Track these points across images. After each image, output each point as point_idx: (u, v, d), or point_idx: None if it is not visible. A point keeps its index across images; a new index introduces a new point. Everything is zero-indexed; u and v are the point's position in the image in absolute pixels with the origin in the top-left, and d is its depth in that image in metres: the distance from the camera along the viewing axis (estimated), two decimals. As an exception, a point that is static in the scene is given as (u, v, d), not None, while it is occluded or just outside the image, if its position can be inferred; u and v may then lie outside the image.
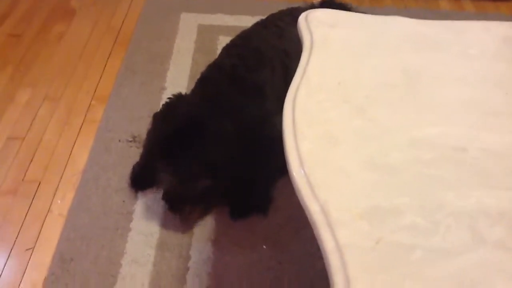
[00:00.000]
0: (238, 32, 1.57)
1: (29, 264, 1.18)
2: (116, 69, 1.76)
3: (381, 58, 0.91)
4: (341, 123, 0.77)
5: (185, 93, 1.38)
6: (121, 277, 1.15)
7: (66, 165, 1.42)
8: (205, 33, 1.92)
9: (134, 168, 1.36)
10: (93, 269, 1.16)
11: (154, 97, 1.62)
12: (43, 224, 1.26)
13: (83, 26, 1.99)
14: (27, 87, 1.68)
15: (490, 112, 0.81)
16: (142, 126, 1.49)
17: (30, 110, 1.60)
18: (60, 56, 1.84)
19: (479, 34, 0.99)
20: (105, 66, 1.79)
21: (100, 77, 1.74)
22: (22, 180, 1.37)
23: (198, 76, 1.42)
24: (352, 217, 0.63)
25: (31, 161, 1.43)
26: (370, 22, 1.01)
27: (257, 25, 1.61)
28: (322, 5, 1.92)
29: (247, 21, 1.68)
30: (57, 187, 1.35)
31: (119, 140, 1.46)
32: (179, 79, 1.70)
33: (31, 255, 1.19)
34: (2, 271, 1.16)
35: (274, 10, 1.67)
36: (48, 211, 1.29)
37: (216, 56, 1.51)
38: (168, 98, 1.34)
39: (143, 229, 1.24)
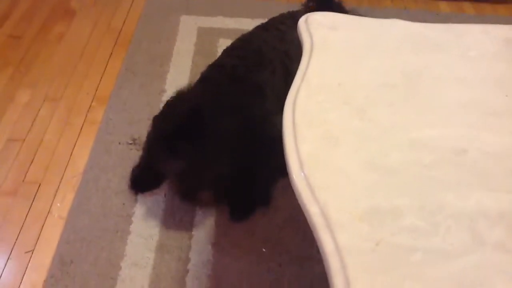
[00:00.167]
0: (238, 35, 1.57)
1: (28, 266, 1.18)
2: (116, 70, 1.76)
3: (381, 59, 0.91)
4: (341, 124, 0.77)
5: (186, 89, 1.38)
6: (120, 280, 1.14)
7: (66, 167, 1.42)
8: (205, 36, 1.92)
9: (134, 170, 1.37)
10: (93, 272, 1.16)
11: (154, 99, 1.62)
12: (43, 226, 1.26)
13: (83, 27, 1.99)
14: (27, 88, 1.68)
15: (490, 114, 0.81)
16: (142, 129, 1.49)
17: (30, 111, 1.60)
18: (60, 56, 1.84)
19: (479, 37, 0.99)
20: (105, 67, 1.79)
21: (101, 78, 1.74)
22: (22, 181, 1.37)
23: (198, 78, 1.42)
24: (352, 218, 0.63)
25: (31, 162, 1.43)
26: (369, 24, 1.01)
27: (258, 28, 1.62)
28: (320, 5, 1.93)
29: (247, 24, 1.68)
30: (57, 188, 1.35)
31: (119, 143, 1.46)
32: (179, 81, 1.70)
33: (30, 257, 1.19)
34: (1, 273, 1.16)
35: (274, 13, 1.67)
36: (48, 212, 1.29)
37: (216, 59, 1.51)
38: (167, 100, 1.34)
39: (143, 232, 1.24)
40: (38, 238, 1.23)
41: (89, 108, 1.61)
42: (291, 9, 1.72)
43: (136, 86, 1.68)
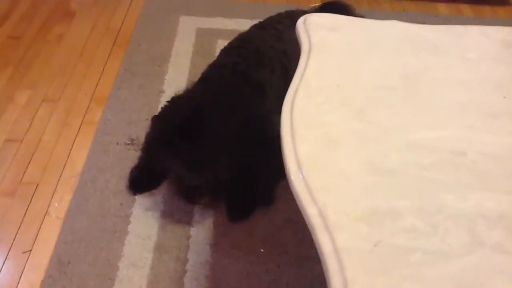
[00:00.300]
0: (236, 35, 1.58)
1: (26, 266, 1.17)
2: (115, 71, 1.76)
3: (380, 61, 0.92)
4: (340, 125, 0.77)
5: (187, 88, 1.38)
6: (118, 280, 1.14)
7: (64, 167, 1.42)
8: (204, 37, 1.92)
9: (132, 171, 1.36)
10: (91, 272, 1.15)
11: (152, 100, 1.62)
12: (40, 226, 1.26)
13: (83, 28, 1.99)
14: (26, 89, 1.68)
15: (489, 115, 0.81)
16: (140, 129, 1.49)
17: (29, 111, 1.59)
18: (59, 57, 1.84)
19: (478, 38, 0.99)
20: (104, 67, 1.79)
21: (99, 79, 1.74)
22: (20, 182, 1.37)
23: (196, 79, 1.43)
24: (351, 220, 0.63)
25: (29, 162, 1.42)
26: (368, 26, 1.01)
27: (255, 27, 1.62)
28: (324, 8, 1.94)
29: (246, 25, 1.68)
30: (55, 189, 1.35)
31: (117, 143, 1.46)
32: (177, 82, 1.70)
33: (28, 257, 1.19)
34: (-1, 274, 1.16)
35: (273, 14, 1.68)
36: (46, 213, 1.29)
37: (215, 59, 1.52)
38: (167, 101, 1.34)
39: (141, 232, 1.24)
40: (35, 239, 1.23)
41: (87, 108, 1.61)
42: (288, 9, 1.72)
43: (134, 87, 1.68)
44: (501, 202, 0.67)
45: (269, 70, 1.38)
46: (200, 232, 1.25)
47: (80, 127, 1.54)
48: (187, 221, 1.27)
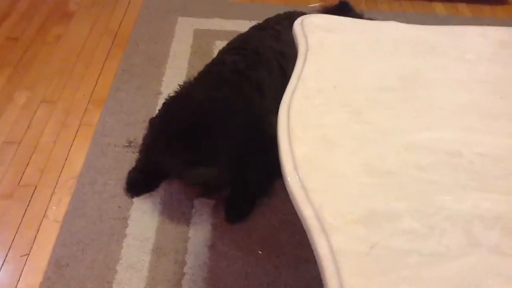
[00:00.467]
0: (234, 36, 1.58)
1: (24, 269, 1.17)
2: (113, 72, 1.76)
3: (378, 62, 0.91)
4: (337, 127, 0.77)
5: (188, 85, 1.38)
6: (116, 283, 1.14)
7: (62, 169, 1.41)
8: (202, 38, 1.92)
9: (129, 173, 1.36)
10: (89, 275, 1.15)
11: (150, 102, 1.62)
12: (38, 229, 1.25)
13: (81, 29, 1.99)
14: (24, 90, 1.68)
15: (486, 116, 0.81)
16: (138, 131, 1.49)
17: (27, 112, 1.59)
18: (58, 58, 1.83)
19: (475, 39, 0.99)
20: (102, 68, 1.79)
21: (97, 80, 1.74)
22: (18, 184, 1.37)
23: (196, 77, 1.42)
24: (347, 222, 0.63)
25: (27, 165, 1.42)
26: (365, 27, 1.01)
27: (254, 28, 1.62)
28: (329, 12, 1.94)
29: (244, 26, 1.68)
30: (53, 191, 1.35)
31: (115, 145, 1.45)
32: (175, 83, 1.67)
33: (26, 260, 1.19)
34: (-3, 276, 1.16)
35: (271, 15, 1.68)
36: (44, 216, 1.29)
37: (213, 58, 1.52)
38: (164, 102, 1.34)
39: (139, 235, 1.23)
40: (34, 241, 1.23)
41: (86, 110, 1.61)
42: (287, 10, 1.72)
43: (132, 88, 1.68)
44: (498, 203, 0.67)
45: (267, 71, 1.38)
46: (198, 234, 1.24)
47: (78, 129, 1.54)
48: (185, 223, 1.27)
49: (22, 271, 1.17)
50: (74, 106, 1.63)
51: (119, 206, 1.30)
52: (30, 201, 1.32)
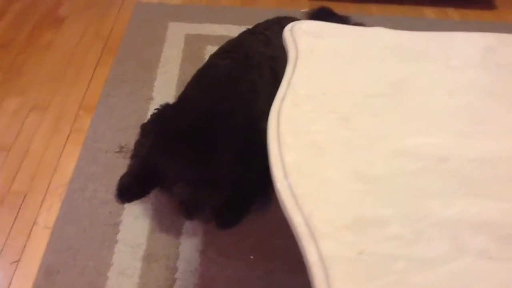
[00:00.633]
0: (225, 41, 1.58)
1: (14, 276, 1.16)
2: (104, 77, 1.76)
3: (366, 68, 0.92)
4: (326, 133, 0.78)
5: (181, 95, 1.37)
6: (108, 289, 1.14)
7: (52, 176, 1.41)
8: (193, 43, 1.92)
9: (121, 179, 1.36)
10: (80, 281, 1.15)
11: (141, 107, 1.61)
12: (29, 236, 1.25)
13: (72, 34, 1.98)
14: (15, 96, 1.67)
15: (473, 121, 0.82)
16: (129, 137, 1.48)
17: (18, 118, 1.58)
18: (49, 64, 1.83)
19: (462, 45, 1.01)
20: (93, 74, 1.78)
21: (88, 86, 1.73)
22: (8, 190, 1.36)
23: (188, 81, 1.43)
24: (336, 228, 0.63)
25: (18, 171, 1.42)
26: (354, 33, 1.02)
27: (244, 33, 1.63)
28: (316, 15, 1.97)
29: (235, 31, 1.68)
30: (44, 198, 1.34)
31: (106, 151, 1.45)
32: (166, 88, 1.69)
33: (16, 268, 1.18)
34: (-13, 284, 1.15)
35: (262, 20, 1.68)
36: (34, 222, 1.28)
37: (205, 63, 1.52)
38: (156, 108, 1.34)
39: (130, 241, 1.23)
40: (24, 248, 1.22)
41: (76, 116, 1.60)
42: (277, 16, 1.73)
43: (123, 94, 1.67)
44: (486, 208, 0.67)
45: (258, 75, 1.39)
46: (189, 240, 1.24)
47: (69, 135, 1.54)
48: (176, 229, 1.26)
49: (12, 278, 1.16)
50: (65, 112, 1.62)
51: (110, 212, 1.30)
52: (20, 207, 1.32)
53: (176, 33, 1.98)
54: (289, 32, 0.98)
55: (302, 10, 2.10)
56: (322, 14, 1.96)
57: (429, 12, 2.23)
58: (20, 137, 1.52)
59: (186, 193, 1.21)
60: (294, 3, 2.23)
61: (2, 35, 1.96)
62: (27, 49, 1.89)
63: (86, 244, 1.22)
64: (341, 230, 0.63)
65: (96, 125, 1.55)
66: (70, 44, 1.93)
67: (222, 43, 1.58)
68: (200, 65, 1.51)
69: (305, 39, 0.96)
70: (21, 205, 1.32)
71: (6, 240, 1.24)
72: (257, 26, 1.65)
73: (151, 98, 1.66)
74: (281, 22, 1.56)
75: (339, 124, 0.80)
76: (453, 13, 2.23)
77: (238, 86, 1.32)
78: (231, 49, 1.51)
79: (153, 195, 1.34)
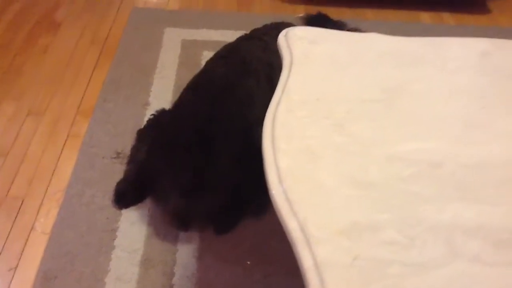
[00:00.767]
0: (221, 46, 1.59)
1: (12, 282, 1.16)
2: (100, 82, 1.76)
3: (361, 74, 0.93)
4: (321, 139, 0.79)
5: (176, 102, 1.38)
6: (105, 295, 1.14)
7: (50, 181, 1.41)
8: (189, 48, 1.93)
9: (118, 185, 1.36)
10: (77, 287, 1.15)
11: (138, 112, 1.62)
12: (26, 242, 1.25)
13: (69, 39, 1.99)
14: (11, 101, 1.67)
15: (467, 126, 0.83)
16: (126, 142, 1.49)
17: (14, 124, 1.59)
18: (45, 69, 1.83)
19: (457, 50, 1.02)
20: (90, 78, 1.79)
21: (85, 90, 1.74)
22: (6, 196, 1.36)
23: (184, 87, 1.43)
24: (331, 233, 0.64)
25: (15, 176, 1.42)
26: (349, 39, 1.03)
27: (241, 38, 1.63)
28: (311, 21, 1.98)
29: (231, 36, 1.69)
30: (41, 203, 1.34)
31: (103, 157, 1.45)
32: (163, 93, 1.70)
33: (14, 274, 1.18)
34: (-16, 291, 1.15)
35: (258, 25, 1.69)
36: (32, 228, 1.28)
37: (201, 69, 1.53)
38: (152, 114, 1.34)
39: (127, 246, 1.23)
40: (21, 254, 1.22)
41: (73, 121, 1.61)
42: (274, 21, 1.74)
43: (120, 99, 1.68)
44: (479, 212, 0.68)
45: (255, 80, 1.39)
46: (186, 245, 1.25)
47: (66, 140, 1.54)
48: (174, 235, 1.27)
49: (10, 284, 1.16)
50: (62, 117, 1.62)
51: (108, 218, 1.30)
52: (18, 213, 1.32)
53: (173, 38, 1.98)
54: (283, 38, 0.99)
55: (297, 15, 2.11)
56: (318, 20, 1.98)
57: (425, 17, 2.25)
58: (17, 142, 1.52)
59: (180, 204, 1.21)
60: (289, 8, 2.24)
61: (-1, 39, 1.96)
62: (24, 52, 1.89)
63: (83, 249, 1.23)
64: (336, 236, 0.63)
65: (93, 130, 1.55)
66: (67, 48, 1.94)
67: (218, 48, 1.59)
68: (196, 70, 1.52)
69: (300, 45, 0.97)
70: (18, 210, 1.32)
71: (4, 246, 1.24)
72: (254, 32, 1.66)
73: (147, 104, 1.66)
74: (278, 27, 1.56)
75: (334, 130, 0.80)
76: (448, 18, 2.24)
77: (235, 92, 1.32)
78: (227, 55, 1.52)
79: (150, 201, 1.34)
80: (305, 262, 0.60)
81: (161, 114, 1.40)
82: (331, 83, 0.90)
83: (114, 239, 1.25)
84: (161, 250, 1.23)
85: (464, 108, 0.87)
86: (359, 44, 1.01)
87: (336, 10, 2.19)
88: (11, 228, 1.28)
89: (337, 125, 0.81)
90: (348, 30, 1.83)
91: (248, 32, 1.67)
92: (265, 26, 1.68)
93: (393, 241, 0.63)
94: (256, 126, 1.21)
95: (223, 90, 1.32)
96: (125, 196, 1.33)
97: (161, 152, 1.22)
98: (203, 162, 1.17)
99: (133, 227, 1.28)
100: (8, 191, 1.38)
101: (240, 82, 1.36)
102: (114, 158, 1.45)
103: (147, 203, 1.33)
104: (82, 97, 1.71)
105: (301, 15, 2.12)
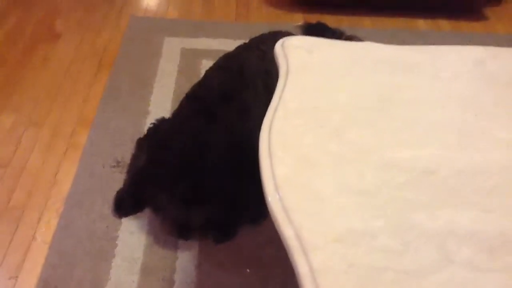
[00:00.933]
0: (221, 55, 1.60)
1: (12, 292, 1.18)
2: (100, 93, 1.77)
3: (356, 82, 0.94)
4: (317, 147, 0.79)
5: (175, 113, 1.39)
6: (105, 303, 1.15)
7: (50, 191, 1.42)
8: (188, 57, 1.94)
9: (117, 194, 1.37)
10: (78, 296, 1.16)
11: (138, 121, 1.63)
12: (27, 251, 1.26)
13: (68, 50, 2.00)
14: (11, 112, 1.69)
15: (461, 133, 0.84)
16: (126, 151, 1.50)
17: (14, 135, 1.60)
18: (45, 80, 1.84)
19: (451, 58, 1.02)
20: (89, 89, 1.80)
21: (84, 101, 1.75)
22: (6, 207, 1.37)
23: (183, 98, 1.44)
24: (327, 241, 0.64)
25: (15, 187, 1.43)
26: (344, 48, 1.04)
27: (239, 48, 1.65)
28: (310, 29, 2.00)
29: (230, 45, 1.71)
30: (42, 213, 1.35)
31: (103, 166, 1.47)
32: (162, 102, 1.71)
33: (15, 283, 1.19)
34: (-15, 300, 1.16)
35: (256, 34, 1.70)
36: (32, 238, 1.29)
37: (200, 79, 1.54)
38: (152, 123, 1.35)
39: (127, 255, 1.24)
40: (22, 263, 1.23)
41: (73, 131, 1.62)
42: (272, 30, 1.75)
43: (119, 108, 1.69)
44: (472, 219, 0.69)
45: (252, 91, 1.40)
46: (186, 253, 1.25)
47: (66, 150, 1.55)
48: (173, 243, 1.28)
49: (10, 294, 1.17)
50: (61, 127, 1.63)
51: (107, 227, 1.31)
52: (18, 223, 1.33)
53: (172, 48, 2.00)
54: (280, 47, 1.00)
55: (296, 24, 2.13)
56: (317, 29, 2.00)
57: (422, 24, 2.26)
58: (17, 153, 1.53)
59: (179, 213, 1.22)
60: (288, 17, 2.26)
61: (-2, 51, 1.97)
62: (22, 65, 1.91)
63: (83, 258, 1.23)
64: (331, 242, 0.64)
65: (92, 139, 1.56)
66: (66, 58, 1.95)
67: (217, 57, 1.60)
68: (196, 79, 1.53)
69: (296, 54, 0.98)
70: (19, 220, 1.33)
71: (5, 255, 1.25)
72: (252, 41, 1.67)
73: (147, 113, 1.67)
74: (276, 36, 1.58)
75: (330, 138, 0.81)
76: (445, 25, 2.26)
77: (233, 102, 1.34)
78: (225, 65, 1.53)
79: (149, 210, 1.34)
80: (300, 268, 0.61)
81: (161, 123, 1.41)
82: (327, 91, 0.91)
83: (114, 248, 1.26)
84: (161, 258, 1.24)
85: (459, 115, 0.88)
86: (354, 53, 1.02)
87: (334, 18, 2.21)
88: (12, 238, 1.29)
89: (333, 133, 0.82)
90: (346, 38, 1.85)
91: (246, 41, 1.68)
92: (263, 35, 1.69)
93: (387, 247, 0.64)
94: (254, 135, 1.23)
95: (222, 100, 1.33)
96: (124, 205, 1.34)
97: (159, 162, 1.23)
98: (202, 171, 1.18)
99: (133, 235, 1.29)
100: (9, 202, 1.38)
101: (238, 92, 1.37)
102: (114, 166, 1.46)
103: (147, 212, 1.34)
104: (82, 107, 1.72)
105: (299, 23, 2.14)
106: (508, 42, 2.12)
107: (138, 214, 1.34)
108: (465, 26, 2.26)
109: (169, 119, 1.41)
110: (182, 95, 1.46)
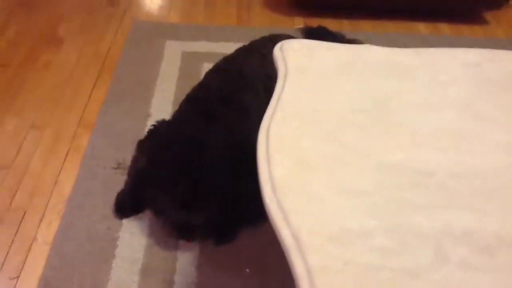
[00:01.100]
0: (221, 58, 1.61)
1: (14, 292, 1.18)
2: (102, 96, 1.79)
3: (354, 85, 0.94)
4: (314, 149, 0.80)
5: (174, 114, 1.40)
6: (105, 304, 1.15)
7: (51, 193, 1.43)
8: (190, 60, 1.96)
9: (118, 195, 1.38)
10: (78, 297, 1.17)
11: (139, 124, 1.64)
12: (28, 253, 1.27)
13: (70, 54, 2.02)
14: (13, 116, 1.70)
15: (458, 136, 0.84)
16: (127, 153, 1.51)
17: (16, 138, 1.61)
18: (47, 84, 1.85)
19: (448, 61, 1.03)
20: (91, 92, 1.81)
21: (86, 104, 1.76)
22: (8, 208, 1.38)
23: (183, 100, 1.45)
24: (323, 241, 0.65)
25: (17, 189, 1.44)
26: (343, 51, 1.04)
27: (239, 50, 1.66)
28: (311, 33, 2.01)
29: (231, 48, 1.71)
30: (43, 214, 1.36)
31: (104, 167, 1.48)
32: (163, 105, 1.73)
33: (16, 284, 1.20)
34: (-14, 301, 1.17)
35: (258, 37, 1.72)
36: (34, 239, 1.30)
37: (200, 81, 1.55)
38: (152, 125, 1.36)
39: (128, 256, 1.25)
40: (23, 265, 1.24)
41: (75, 134, 1.63)
42: (273, 33, 1.76)
43: (121, 111, 1.70)
44: (468, 220, 0.69)
45: (252, 93, 1.41)
46: (186, 254, 1.26)
47: (67, 153, 1.56)
48: (173, 244, 1.28)
49: (11, 294, 1.18)
50: (63, 130, 1.65)
51: (108, 228, 1.32)
52: (20, 224, 1.34)
53: (173, 51, 2.01)
54: (279, 50, 1.01)
55: (297, 27, 2.14)
56: (317, 32, 2.01)
57: (422, 28, 2.27)
58: (19, 155, 1.55)
59: (179, 215, 1.23)
60: (288, 21, 2.27)
61: (1, 55, 1.98)
62: (25, 69, 1.92)
63: (84, 259, 1.24)
64: (327, 242, 0.65)
65: (94, 142, 1.58)
66: (69, 62, 1.96)
67: (218, 60, 1.61)
68: (197, 82, 1.54)
69: (295, 57, 0.99)
70: (20, 221, 1.34)
71: (6, 256, 1.26)
72: (252, 44, 1.68)
73: (148, 115, 1.68)
74: (276, 39, 1.58)
75: (327, 140, 0.82)
76: (445, 29, 2.27)
77: (232, 104, 1.34)
78: (225, 67, 1.54)
79: (150, 211, 1.35)
80: (297, 268, 0.62)
81: (161, 125, 1.42)
82: (325, 94, 0.92)
83: (115, 249, 1.27)
84: (161, 259, 1.25)
85: (455, 118, 0.89)
86: (352, 56, 1.03)
87: (335, 22, 2.22)
88: (13, 239, 1.30)
89: (330, 136, 0.82)
90: (347, 41, 1.86)
91: (246, 43, 1.69)
92: (263, 38, 1.70)
93: (384, 247, 0.65)
94: (253, 137, 1.24)
95: (221, 101, 1.34)
96: (125, 206, 1.35)
97: (159, 163, 1.24)
98: (201, 174, 1.19)
99: (133, 236, 1.30)
100: (11, 203, 1.40)
101: (237, 94, 1.38)
102: (115, 168, 1.47)
103: (148, 213, 1.35)
104: (84, 110, 1.73)
105: (300, 27, 2.15)
106: (509, 46, 2.12)
107: (139, 215, 1.35)
108: (466, 30, 2.27)
109: (169, 121, 1.42)
110: (183, 98, 1.47)
